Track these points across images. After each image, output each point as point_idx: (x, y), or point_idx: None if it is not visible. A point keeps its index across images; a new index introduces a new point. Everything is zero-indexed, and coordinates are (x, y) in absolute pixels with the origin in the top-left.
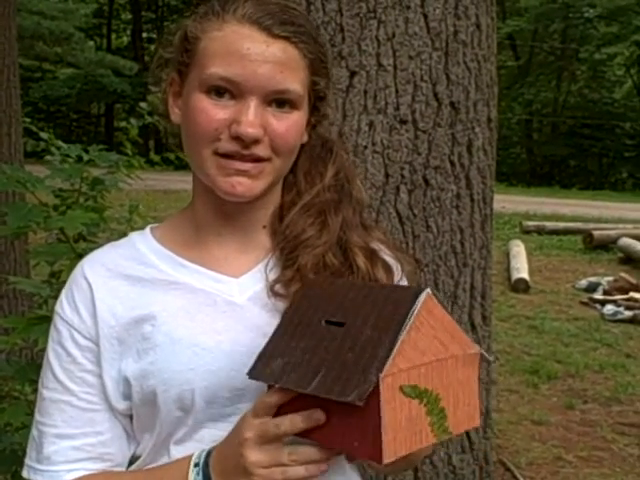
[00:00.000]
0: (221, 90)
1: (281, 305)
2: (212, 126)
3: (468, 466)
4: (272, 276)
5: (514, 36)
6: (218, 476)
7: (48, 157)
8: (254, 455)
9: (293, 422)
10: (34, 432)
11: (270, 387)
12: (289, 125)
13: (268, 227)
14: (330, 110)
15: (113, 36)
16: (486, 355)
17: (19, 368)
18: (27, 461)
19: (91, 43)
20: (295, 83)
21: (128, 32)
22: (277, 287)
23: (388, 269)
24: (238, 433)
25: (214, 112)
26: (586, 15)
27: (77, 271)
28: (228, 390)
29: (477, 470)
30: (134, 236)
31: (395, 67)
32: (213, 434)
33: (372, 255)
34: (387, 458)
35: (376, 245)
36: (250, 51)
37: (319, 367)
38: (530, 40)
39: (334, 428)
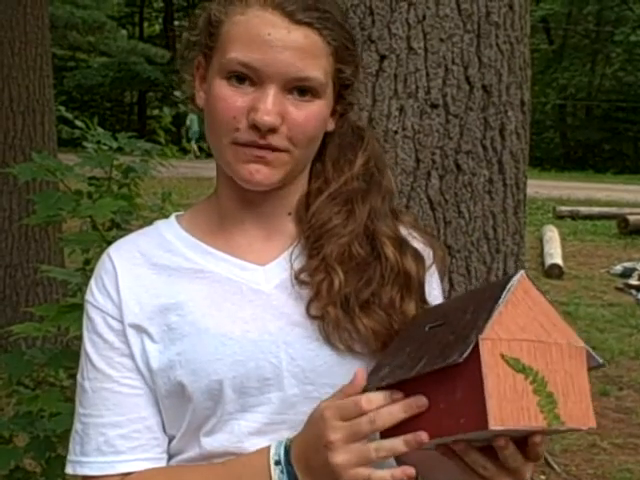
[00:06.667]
0: (241, 76)
1: (306, 293)
2: (230, 114)
3: None
4: (297, 264)
5: (548, 19)
6: (305, 475)
7: (85, 143)
8: (340, 457)
9: (392, 414)
10: (77, 426)
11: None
12: (309, 114)
13: (294, 214)
14: (359, 97)
15: (145, 24)
16: (595, 355)
17: (52, 355)
18: (71, 457)
19: (123, 32)
20: (316, 71)
21: (160, 20)
22: (302, 276)
23: (418, 257)
24: (320, 435)
25: (233, 99)
26: None
27: (104, 257)
28: (257, 380)
29: None
30: (160, 224)
31: (426, 50)
32: (243, 426)
33: (401, 244)
34: (493, 424)
35: (406, 230)
36: (271, 37)
37: (422, 355)
38: (564, 23)
39: (438, 414)
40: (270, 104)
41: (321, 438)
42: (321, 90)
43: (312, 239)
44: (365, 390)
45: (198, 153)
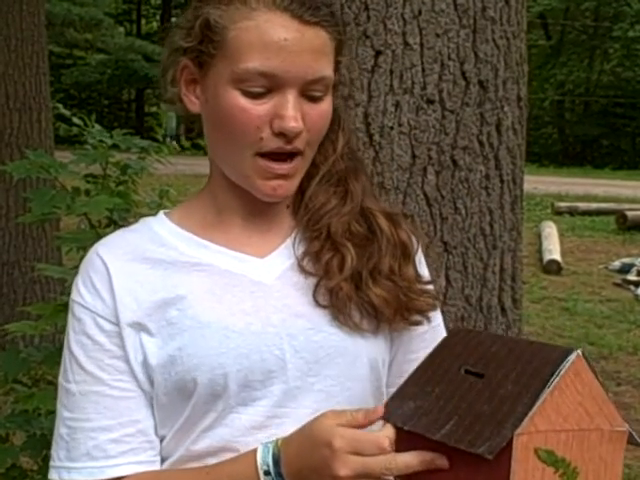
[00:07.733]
0: (259, 87)
1: (311, 281)
2: (254, 124)
3: None
4: (300, 250)
5: (545, 15)
6: None
7: (87, 138)
8: None
9: (408, 464)
10: (62, 430)
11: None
12: (322, 112)
13: (291, 207)
14: (354, 92)
15: (143, 21)
16: (636, 437)
17: (48, 354)
18: (55, 463)
19: (121, 29)
20: (328, 68)
21: (157, 17)
22: (306, 260)
23: (408, 234)
24: (326, 463)
25: (254, 110)
26: None
27: (91, 255)
28: (261, 372)
29: None
30: (149, 220)
31: (422, 45)
32: (244, 420)
33: (393, 218)
34: None
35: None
36: (287, 42)
37: (451, 415)
38: (562, 19)
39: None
40: (293, 110)
41: (328, 468)
42: (329, 86)
43: (312, 222)
44: (384, 416)
45: (178, 149)
